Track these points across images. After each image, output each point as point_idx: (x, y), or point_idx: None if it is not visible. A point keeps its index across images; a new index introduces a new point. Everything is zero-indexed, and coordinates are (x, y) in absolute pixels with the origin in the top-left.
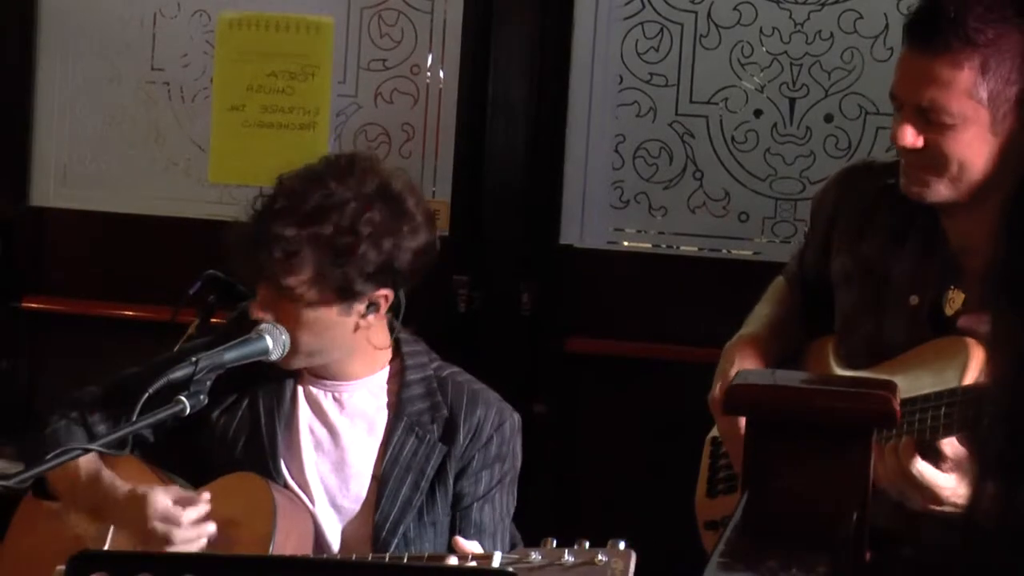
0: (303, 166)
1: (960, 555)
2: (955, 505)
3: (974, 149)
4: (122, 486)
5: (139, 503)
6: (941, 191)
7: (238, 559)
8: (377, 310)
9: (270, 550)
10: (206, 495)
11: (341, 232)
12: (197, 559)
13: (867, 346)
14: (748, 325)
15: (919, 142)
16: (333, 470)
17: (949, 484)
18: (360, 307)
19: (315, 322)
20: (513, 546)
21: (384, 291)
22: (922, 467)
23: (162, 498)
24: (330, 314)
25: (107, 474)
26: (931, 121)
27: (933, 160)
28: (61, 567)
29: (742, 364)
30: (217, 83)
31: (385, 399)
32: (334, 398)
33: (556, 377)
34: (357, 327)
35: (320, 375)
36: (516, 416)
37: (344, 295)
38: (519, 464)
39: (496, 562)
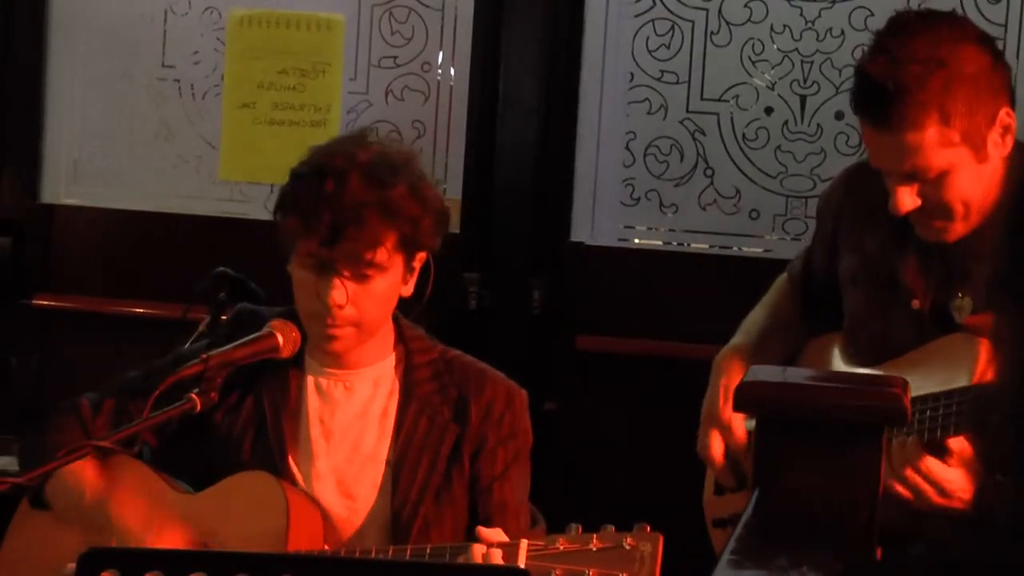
0: (310, 152)
1: (970, 552)
2: (962, 501)
3: (970, 185)
4: (131, 519)
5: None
6: (958, 230)
7: (248, 556)
8: (412, 273)
9: (286, 547)
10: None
11: (411, 192)
12: (207, 557)
13: (875, 345)
14: (739, 334)
15: (917, 201)
16: (345, 459)
17: (955, 479)
18: (408, 272)
19: (386, 291)
20: (534, 522)
21: (423, 253)
22: (929, 463)
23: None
24: (397, 277)
25: (115, 503)
26: (921, 180)
27: (938, 210)
28: (71, 565)
29: (730, 379)
30: (228, 80)
31: (393, 384)
32: (344, 387)
33: (567, 374)
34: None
35: (330, 365)
36: (523, 392)
37: (410, 258)
38: (531, 439)
39: (523, 549)
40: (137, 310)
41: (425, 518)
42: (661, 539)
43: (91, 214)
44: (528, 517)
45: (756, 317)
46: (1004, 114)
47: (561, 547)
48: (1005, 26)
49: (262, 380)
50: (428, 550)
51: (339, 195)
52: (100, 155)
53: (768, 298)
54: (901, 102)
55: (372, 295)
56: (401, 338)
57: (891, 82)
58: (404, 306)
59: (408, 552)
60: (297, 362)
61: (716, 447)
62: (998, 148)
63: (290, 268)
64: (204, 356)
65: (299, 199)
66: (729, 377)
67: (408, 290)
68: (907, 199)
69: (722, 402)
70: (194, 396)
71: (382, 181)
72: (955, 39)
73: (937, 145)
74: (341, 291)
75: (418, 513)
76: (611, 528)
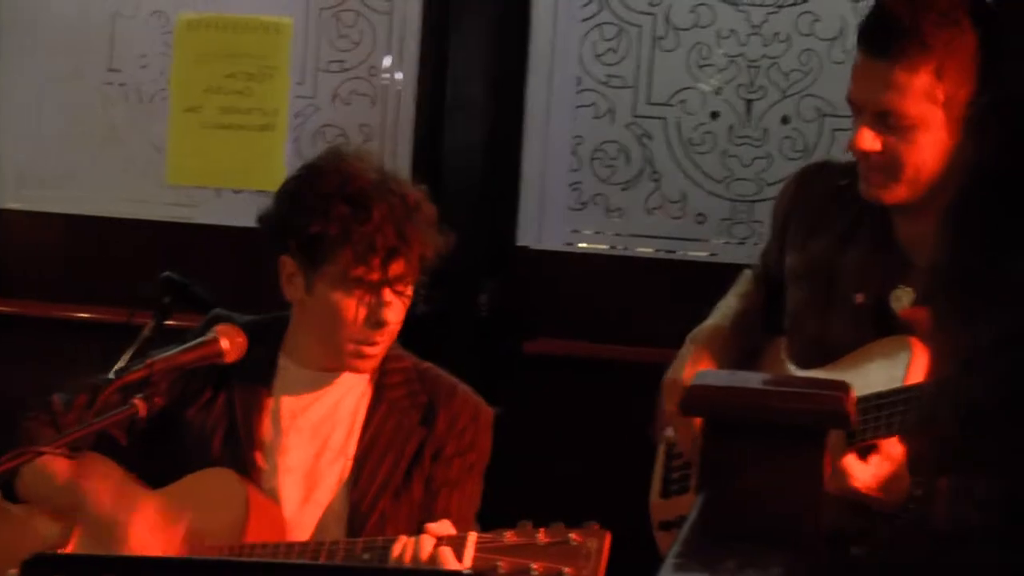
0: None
1: (909, 553)
2: (879, 496)
3: (930, 151)
4: (104, 493)
5: (122, 514)
6: (899, 193)
7: (194, 562)
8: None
9: (244, 539)
10: (184, 520)
11: (427, 203)
12: (153, 563)
13: (813, 345)
14: (714, 316)
15: (877, 145)
16: (314, 455)
17: (867, 477)
18: None
19: (409, 302)
20: None
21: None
22: (848, 461)
23: (144, 518)
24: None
25: (86, 480)
26: (889, 126)
27: (891, 163)
28: (14, 571)
29: (699, 355)
30: (175, 84)
31: (367, 387)
32: (319, 387)
33: (514, 378)
34: None
35: (307, 367)
36: (490, 410)
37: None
38: (488, 458)
39: (471, 542)
40: (84, 314)
41: (382, 513)
42: (608, 536)
43: (38, 218)
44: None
45: (730, 303)
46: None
47: (508, 541)
48: None
49: (235, 380)
50: (380, 541)
51: (387, 219)
52: (47, 159)
53: (736, 288)
54: (909, 38)
55: (405, 308)
56: None
57: (907, 18)
58: None
59: (360, 545)
60: (271, 362)
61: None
62: (965, 135)
63: (303, 296)
64: (149, 361)
65: (349, 231)
66: (699, 355)
67: None
68: (868, 138)
69: (686, 373)
70: (138, 401)
71: (407, 197)
72: (973, 13)
73: (921, 94)
74: (397, 307)
75: (376, 508)
76: (560, 524)
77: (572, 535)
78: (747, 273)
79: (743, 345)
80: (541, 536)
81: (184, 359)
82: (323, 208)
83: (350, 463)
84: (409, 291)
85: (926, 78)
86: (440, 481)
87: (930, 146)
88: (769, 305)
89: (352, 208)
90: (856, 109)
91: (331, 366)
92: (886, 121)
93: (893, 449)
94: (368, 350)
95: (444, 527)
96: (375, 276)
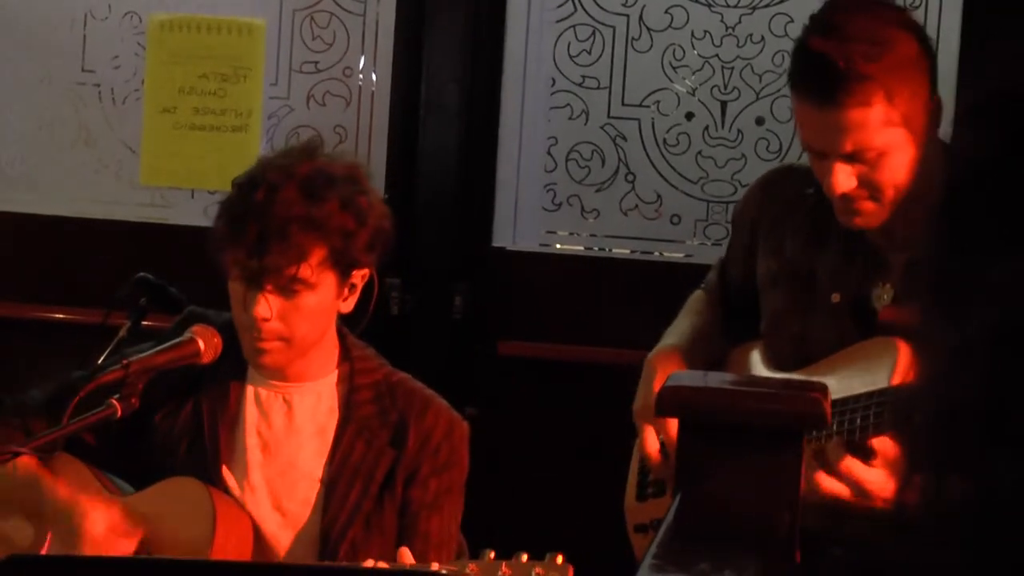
0: (255, 162)
1: (888, 552)
2: (883, 501)
3: (904, 169)
4: (63, 493)
5: (77, 517)
6: (882, 215)
7: (170, 563)
8: (353, 291)
9: (210, 554)
10: (140, 531)
11: (343, 206)
12: (131, 563)
13: (794, 347)
14: (668, 337)
15: (853, 182)
16: (279, 473)
17: (875, 479)
18: (345, 288)
19: (317, 307)
20: (459, 555)
21: (365, 270)
22: (849, 463)
23: (99, 522)
24: (329, 293)
25: (47, 479)
26: (858, 160)
27: (869, 192)
28: None
29: (664, 374)
30: (148, 85)
31: (334, 402)
32: (283, 400)
33: (488, 380)
34: (336, 312)
35: (271, 376)
36: (465, 424)
37: (345, 275)
38: (466, 473)
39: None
40: (57, 315)
41: (353, 541)
42: (571, 570)
43: (11, 220)
44: (454, 549)
45: (681, 324)
46: (935, 101)
47: (471, 573)
48: None
49: (203, 387)
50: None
51: (267, 207)
52: (20, 160)
53: (688, 308)
54: (849, 78)
55: (301, 310)
56: (347, 356)
57: (841, 59)
58: (346, 323)
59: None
60: (239, 371)
61: (651, 442)
62: (930, 134)
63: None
64: (125, 362)
65: (230, 208)
66: (663, 374)
67: (347, 307)
68: (845, 179)
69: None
70: (115, 402)
71: (314, 195)
72: (896, 22)
73: (881, 124)
74: (265, 305)
75: (346, 536)
76: (523, 556)
77: (535, 569)
78: (698, 293)
79: (702, 360)
80: (504, 569)
81: (160, 359)
82: (232, 188)
83: (318, 486)
84: (297, 293)
85: (880, 108)
86: (418, 504)
87: (901, 165)
88: (730, 315)
89: (245, 190)
90: (817, 154)
91: (280, 371)
92: (855, 158)
93: (889, 449)
94: (259, 345)
95: (404, 555)
96: (243, 263)
